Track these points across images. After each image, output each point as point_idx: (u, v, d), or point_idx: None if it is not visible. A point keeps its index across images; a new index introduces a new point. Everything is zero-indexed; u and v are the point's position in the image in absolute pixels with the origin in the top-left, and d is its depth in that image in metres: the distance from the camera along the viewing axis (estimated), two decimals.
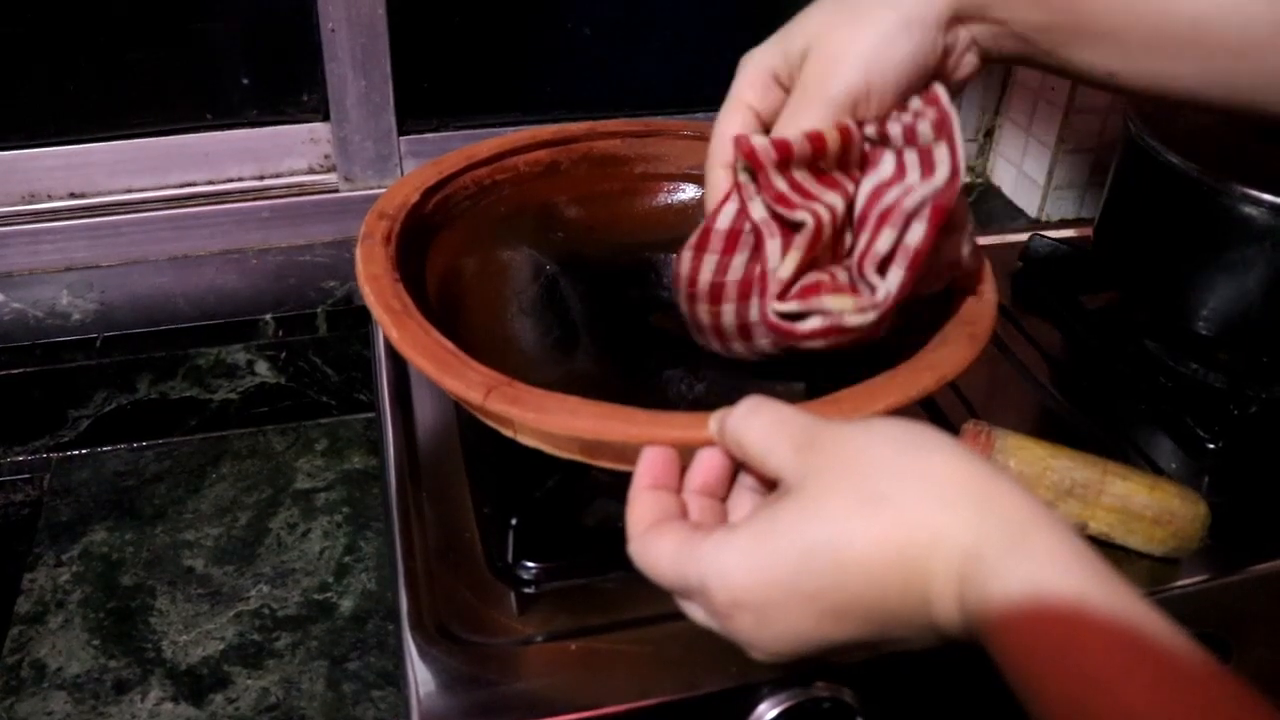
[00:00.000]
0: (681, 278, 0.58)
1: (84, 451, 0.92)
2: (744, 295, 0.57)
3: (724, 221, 0.56)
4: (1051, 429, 0.76)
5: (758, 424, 0.45)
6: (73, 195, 0.92)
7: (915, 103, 0.53)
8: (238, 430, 0.95)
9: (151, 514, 0.86)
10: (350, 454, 0.93)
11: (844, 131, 0.53)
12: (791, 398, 0.47)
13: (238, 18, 0.90)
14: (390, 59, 0.92)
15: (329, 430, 0.96)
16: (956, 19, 0.53)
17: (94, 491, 0.88)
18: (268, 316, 0.92)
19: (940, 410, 0.74)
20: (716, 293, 0.57)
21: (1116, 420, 0.76)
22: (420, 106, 0.96)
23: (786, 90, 0.55)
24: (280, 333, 0.93)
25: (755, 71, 0.55)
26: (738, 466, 0.48)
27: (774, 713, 0.56)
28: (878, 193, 0.54)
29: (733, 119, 0.56)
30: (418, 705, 0.54)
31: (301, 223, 0.95)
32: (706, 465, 0.47)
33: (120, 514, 0.86)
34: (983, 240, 0.69)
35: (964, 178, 0.52)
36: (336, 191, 0.96)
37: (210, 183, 0.95)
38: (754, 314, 0.57)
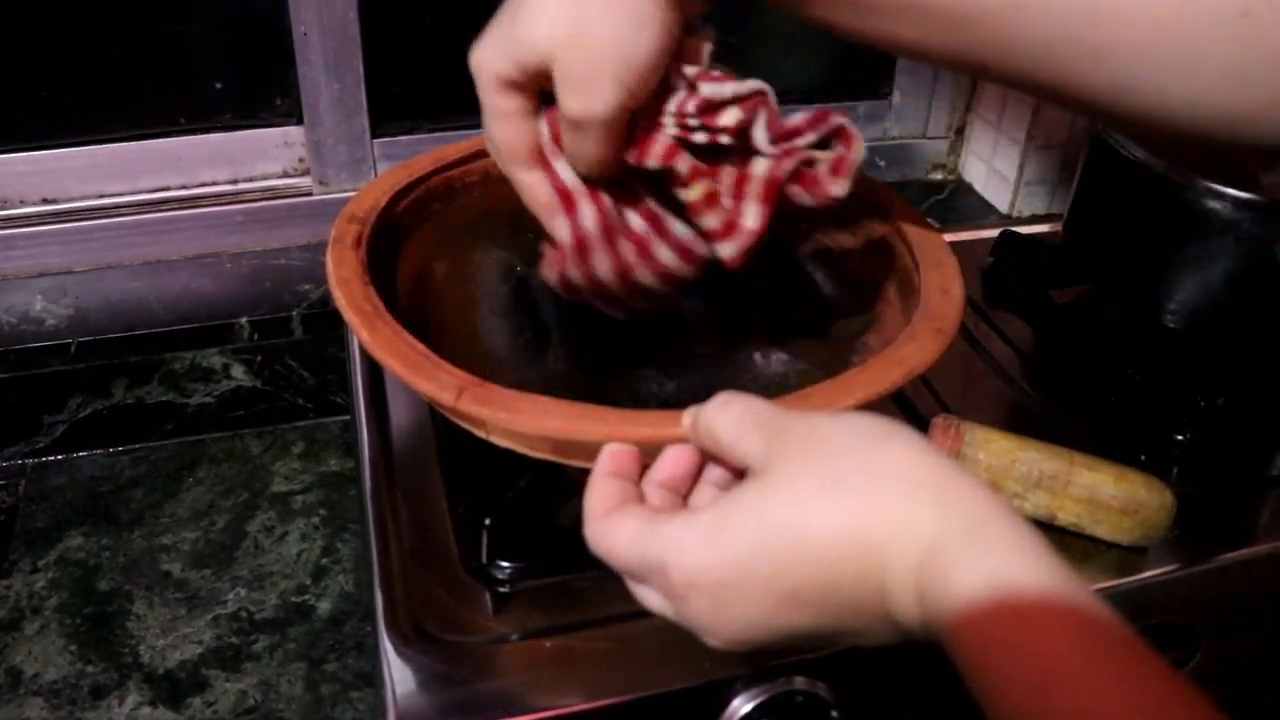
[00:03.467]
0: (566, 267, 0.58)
1: (59, 457, 0.91)
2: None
3: (588, 223, 0.56)
4: (1022, 422, 0.76)
5: (731, 413, 0.45)
6: (45, 201, 0.91)
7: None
8: (214, 434, 0.95)
9: (128, 519, 0.86)
10: (327, 456, 0.93)
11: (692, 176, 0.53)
12: (760, 392, 0.48)
13: (210, 22, 0.89)
14: (363, 62, 0.92)
15: (305, 433, 0.96)
16: None
17: (70, 497, 0.88)
18: (243, 320, 0.92)
19: (912, 404, 0.74)
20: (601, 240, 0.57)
21: (1086, 413, 0.77)
22: (393, 109, 0.96)
23: (527, 90, 0.51)
24: (256, 336, 0.93)
25: (489, 80, 0.51)
26: (703, 465, 0.48)
27: (748, 707, 0.56)
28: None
29: (505, 127, 0.53)
30: (394, 704, 0.54)
31: (276, 226, 0.95)
32: (672, 461, 0.48)
33: (97, 519, 0.85)
34: (954, 236, 0.70)
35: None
36: (310, 195, 0.96)
37: (184, 187, 0.95)
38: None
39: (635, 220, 0.56)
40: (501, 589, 0.61)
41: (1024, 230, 0.94)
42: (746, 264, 0.56)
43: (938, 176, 1.17)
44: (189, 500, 0.88)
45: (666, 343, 0.66)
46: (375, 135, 0.96)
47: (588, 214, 0.55)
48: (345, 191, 0.97)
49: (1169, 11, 0.41)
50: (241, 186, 0.96)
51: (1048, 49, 0.44)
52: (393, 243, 0.66)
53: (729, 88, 0.52)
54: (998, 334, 0.85)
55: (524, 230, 0.73)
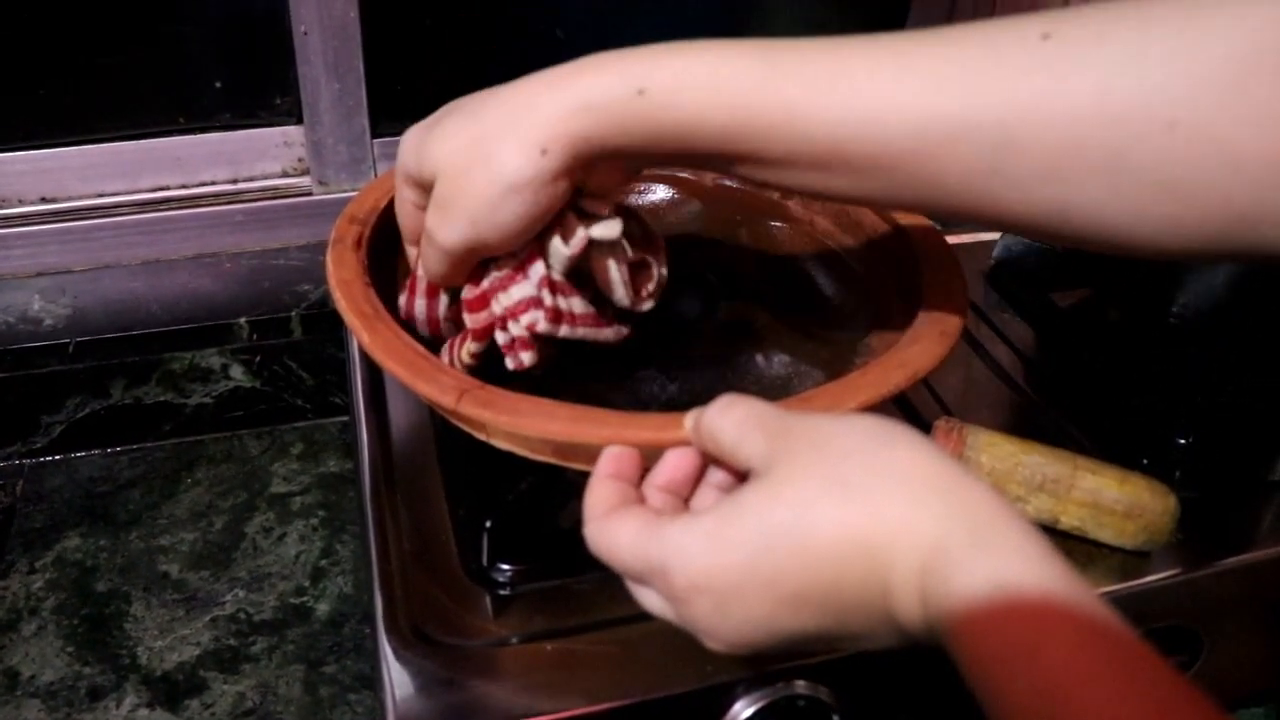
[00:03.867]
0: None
1: (57, 457, 0.91)
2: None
3: (418, 307, 0.61)
4: (1024, 425, 0.76)
5: (732, 415, 0.45)
6: (44, 200, 0.91)
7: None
8: (212, 435, 0.94)
9: (126, 519, 0.85)
10: (325, 457, 0.93)
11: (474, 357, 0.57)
12: (762, 395, 0.47)
13: (210, 21, 0.89)
14: (363, 61, 0.92)
15: (304, 434, 0.95)
16: (581, 166, 0.49)
17: (67, 497, 0.87)
18: (242, 320, 0.92)
19: (914, 408, 0.74)
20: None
21: (1087, 415, 0.77)
22: (393, 109, 0.96)
23: (425, 189, 0.53)
24: (255, 336, 0.93)
25: (401, 168, 0.54)
26: (704, 469, 0.48)
27: (750, 711, 0.56)
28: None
29: (403, 210, 0.57)
30: (394, 708, 0.54)
31: (275, 226, 0.95)
32: (673, 464, 0.48)
33: (94, 520, 0.85)
34: (956, 238, 0.70)
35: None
36: (310, 195, 0.96)
37: (183, 186, 0.94)
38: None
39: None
40: (502, 592, 0.60)
41: None
42: (750, 267, 0.56)
43: None
44: (187, 501, 0.87)
45: (668, 345, 0.66)
46: (375, 135, 0.96)
47: (419, 304, 0.60)
48: (345, 192, 0.96)
49: (1087, 130, 0.40)
50: (241, 186, 0.95)
51: (981, 182, 0.43)
52: (393, 244, 0.66)
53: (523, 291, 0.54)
54: (999, 336, 0.85)
55: None
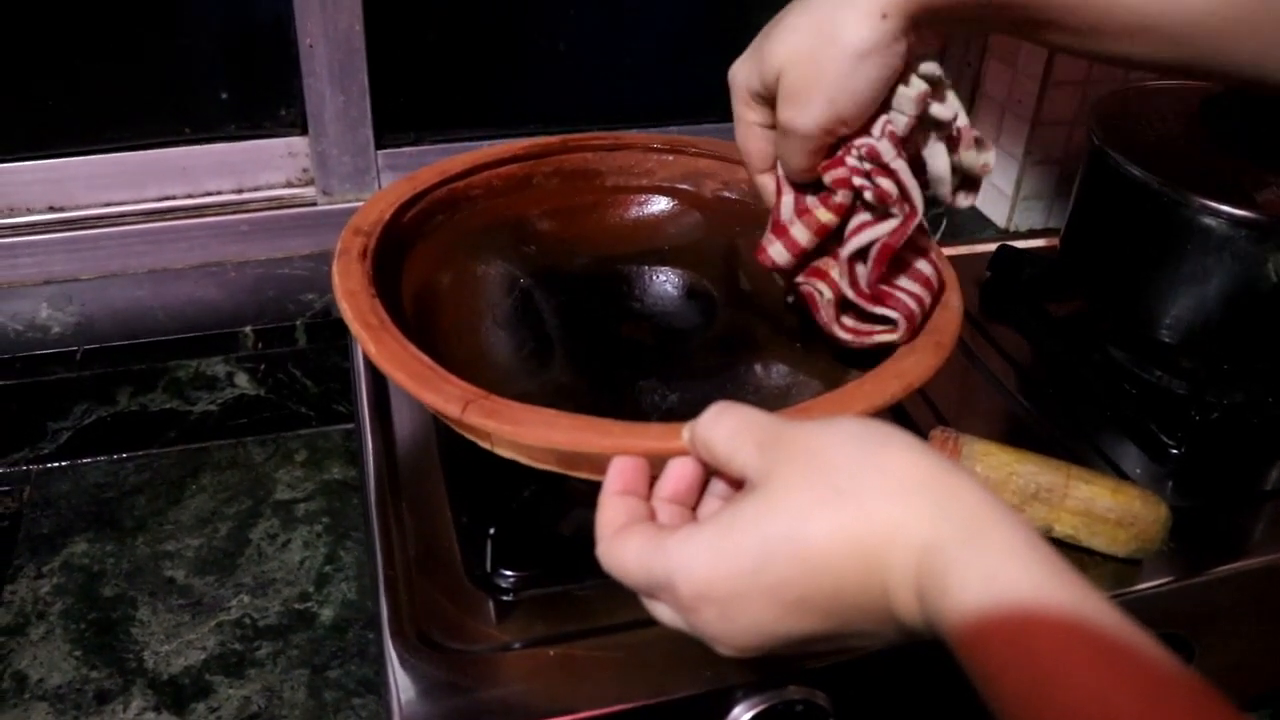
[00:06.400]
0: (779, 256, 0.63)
1: (64, 464, 0.92)
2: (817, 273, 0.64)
3: (785, 213, 0.62)
4: (1018, 435, 0.77)
5: (725, 425, 0.46)
6: (51, 209, 0.92)
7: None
8: (217, 442, 0.95)
9: (132, 525, 0.86)
10: (329, 465, 0.94)
11: (837, 209, 0.60)
12: (761, 405, 0.48)
13: (215, 32, 0.90)
14: (368, 73, 0.92)
15: (308, 441, 0.96)
16: (914, 27, 0.54)
17: (74, 503, 0.88)
18: (247, 329, 0.93)
19: (909, 417, 0.75)
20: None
21: (1082, 426, 0.78)
22: (397, 120, 0.97)
23: (770, 103, 0.57)
24: (259, 345, 0.94)
25: (740, 92, 0.58)
26: (708, 477, 0.49)
27: (748, 716, 0.57)
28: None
29: (748, 135, 0.60)
30: (399, 712, 0.55)
31: (280, 236, 0.96)
32: (677, 474, 0.48)
33: (101, 525, 0.86)
34: (951, 250, 0.71)
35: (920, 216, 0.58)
36: (315, 205, 0.97)
37: (189, 196, 0.95)
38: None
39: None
40: (505, 597, 0.61)
41: (1021, 245, 0.94)
42: (750, 278, 0.57)
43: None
44: (192, 507, 0.88)
45: (668, 355, 0.67)
46: (379, 146, 0.97)
47: (787, 203, 0.62)
48: (349, 202, 0.97)
49: None
50: (246, 196, 0.96)
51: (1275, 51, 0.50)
52: (398, 255, 0.67)
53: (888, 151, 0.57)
54: (994, 348, 0.86)
55: (527, 242, 0.74)
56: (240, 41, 0.91)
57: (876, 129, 0.57)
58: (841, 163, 0.58)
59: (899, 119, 0.56)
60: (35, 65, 0.87)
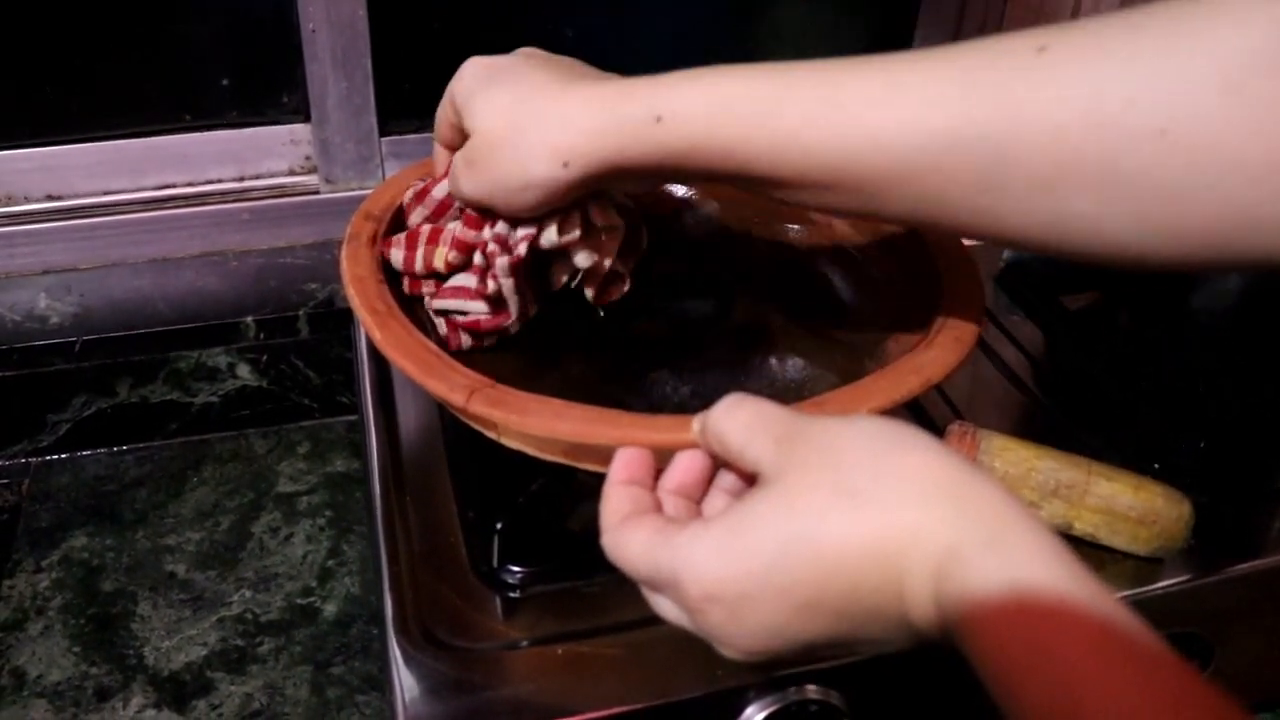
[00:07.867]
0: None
1: (63, 456, 0.91)
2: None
3: (440, 192, 0.64)
4: (1036, 429, 0.76)
5: (739, 417, 0.45)
6: (50, 197, 0.91)
7: None
8: (219, 434, 0.94)
9: (132, 519, 0.85)
10: (332, 457, 0.93)
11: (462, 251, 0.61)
12: (776, 398, 0.47)
13: (217, 18, 0.89)
14: (371, 60, 0.91)
15: (311, 433, 0.95)
16: (595, 179, 0.53)
17: (74, 496, 0.87)
18: (248, 319, 0.92)
19: (925, 411, 0.74)
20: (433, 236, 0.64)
21: (1100, 421, 0.77)
22: (402, 107, 0.96)
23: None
24: (261, 335, 0.93)
25: (451, 94, 0.58)
26: (715, 470, 0.48)
27: (761, 716, 0.56)
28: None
29: (442, 114, 0.60)
30: (403, 710, 0.54)
31: (282, 225, 0.95)
32: (685, 467, 0.47)
33: (100, 519, 0.85)
34: (967, 242, 0.69)
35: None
36: (317, 193, 0.96)
37: (190, 185, 0.94)
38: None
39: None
40: (512, 594, 0.60)
41: None
42: (766, 269, 0.56)
43: None
44: (193, 500, 0.87)
45: (682, 347, 0.66)
46: (383, 134, 0.96)
47: (438, 193, 0.64)
48: (352, 190, 0.96)
49: (1078, 140, 0.41)
50: (248, 184, 0.95)
51: (980, 197, 0.45)
52: None
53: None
54: (1010, 340, 0.85)
55: None
56: (242, 27, 0.90)
57: (522, 230, 0.58)
58: (480, 227, 0.59)
59: (549, 235, 0.57)
60: (33, 51, 0.86)
